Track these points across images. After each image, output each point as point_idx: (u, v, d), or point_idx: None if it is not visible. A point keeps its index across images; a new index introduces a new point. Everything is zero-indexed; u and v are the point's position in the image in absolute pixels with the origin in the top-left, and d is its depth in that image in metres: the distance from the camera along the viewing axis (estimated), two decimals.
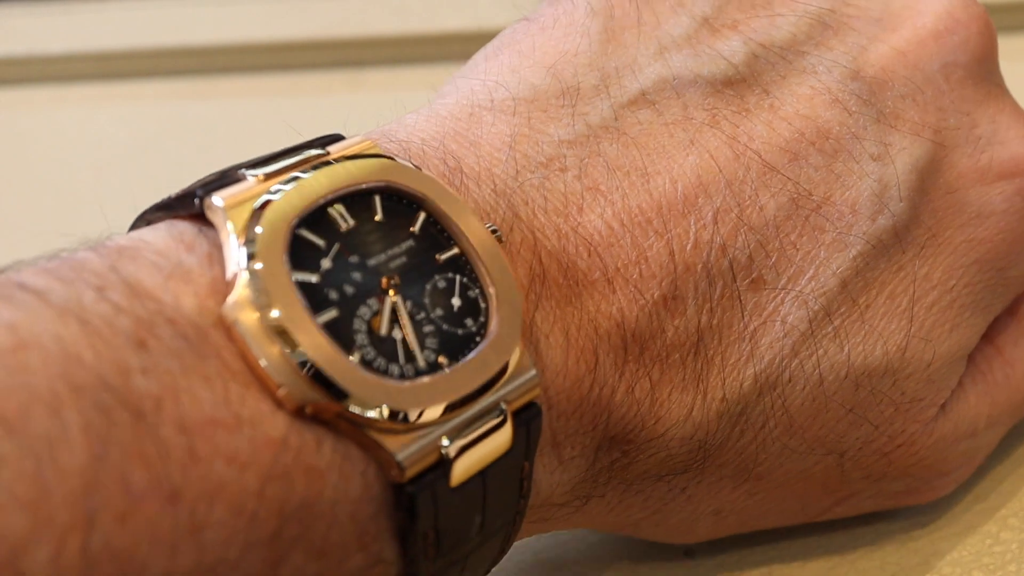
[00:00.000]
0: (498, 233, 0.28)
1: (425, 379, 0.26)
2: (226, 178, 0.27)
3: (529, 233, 0.29)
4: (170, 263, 0.26)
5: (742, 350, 0.30)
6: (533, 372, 0.27)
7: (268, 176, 0.27)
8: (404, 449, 0.25)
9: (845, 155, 0.31)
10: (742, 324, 0.30)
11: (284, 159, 0.28)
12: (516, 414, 0.27)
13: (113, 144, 0.51)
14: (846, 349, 0.30)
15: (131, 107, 0.53)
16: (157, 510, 0.23)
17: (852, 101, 0.32)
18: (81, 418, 0.23)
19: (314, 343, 0.25)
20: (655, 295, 0.29)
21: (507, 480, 0.27)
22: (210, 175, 0.27)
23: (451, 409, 0.26)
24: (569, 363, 0.29)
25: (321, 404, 0.25)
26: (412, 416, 0.25)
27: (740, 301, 0.30)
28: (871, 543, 0.34)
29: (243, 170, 0.27)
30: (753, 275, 0.30)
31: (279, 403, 0.24)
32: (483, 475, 0.26)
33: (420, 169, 0.29)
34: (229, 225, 0.26)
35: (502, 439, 0.26)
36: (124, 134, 0.51)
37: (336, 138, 0.29)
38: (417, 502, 0.25)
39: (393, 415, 0.25)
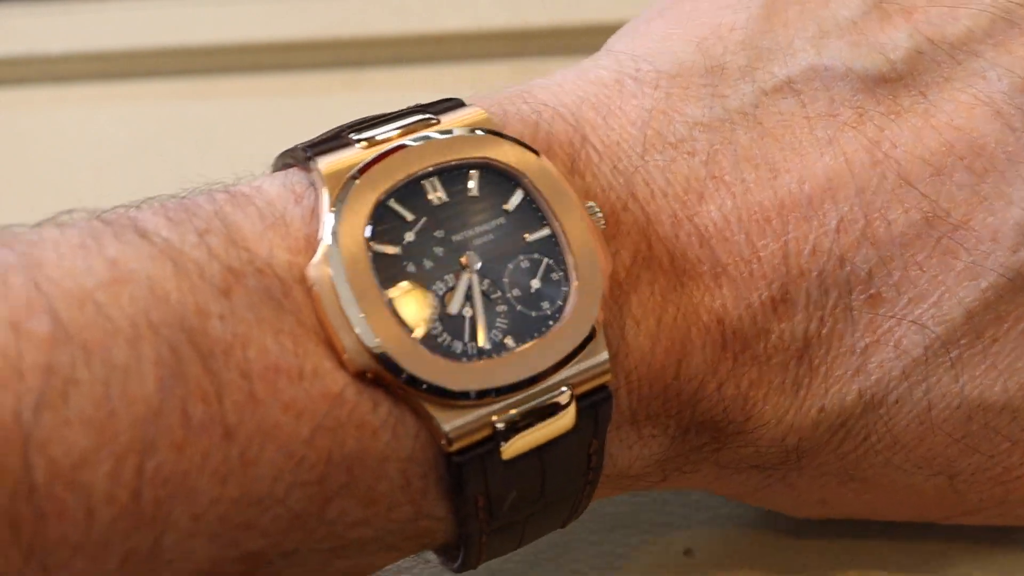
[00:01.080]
0: (599, 215, 0.28)
1: (485, 360, 0.26)
2: (337, 140, 0.28)
3: (642, 215, 0.29)
4: (275, 214, 0.27)
5: (849, 364, 0.29)
6: (604, 357, 0.27)
7: (372, 143, 0.28)
8: (453, 422, 0.26)
9: (996, 176, 0.29)
10: (853, 339, 0.29)
11: (394, 123, 0.28)
12: (583, 396, 0.27)
13: (113, 144, 0.51)
14: (961, 381, 0.29)
15: (131, 107, 0.53)
16: (211, 444, 0.25)
17: (1017, 117, 0.30)
18: (155, 353, 0.25)
19: (379, 318, 0.26)
20: (763, 296, 0.29)
21: (570, 456, 0.28)
22: (326, 132, 0.29)
23: (507, 391, 0.26)
24: (657, 351, 0.29)
25: (379, 372, 0.26)
26: (463, 395, 0.26)
27: (853, 315, 0.29)
28: (871, 545, 0.34)
29: (352, 133, 0.28)
30: (871, 291, 0.29)
31: (343, 364, 0.26)
32: (540, 452, 0.27)
33: (529, 148, 0.28)
34: (324, 193, 0.27)
35: (564, 420, 0.27)
36: (124, 134, 0.51)
37: (455, 104, 0.29)
38: (464, 472, 0.26)
39: (444, 392, 0.26)
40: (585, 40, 0.52)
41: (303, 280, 0.26)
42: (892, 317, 0.29)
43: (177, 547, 0.25)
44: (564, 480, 0.28)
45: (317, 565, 0.27)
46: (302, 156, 0.28)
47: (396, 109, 0.29)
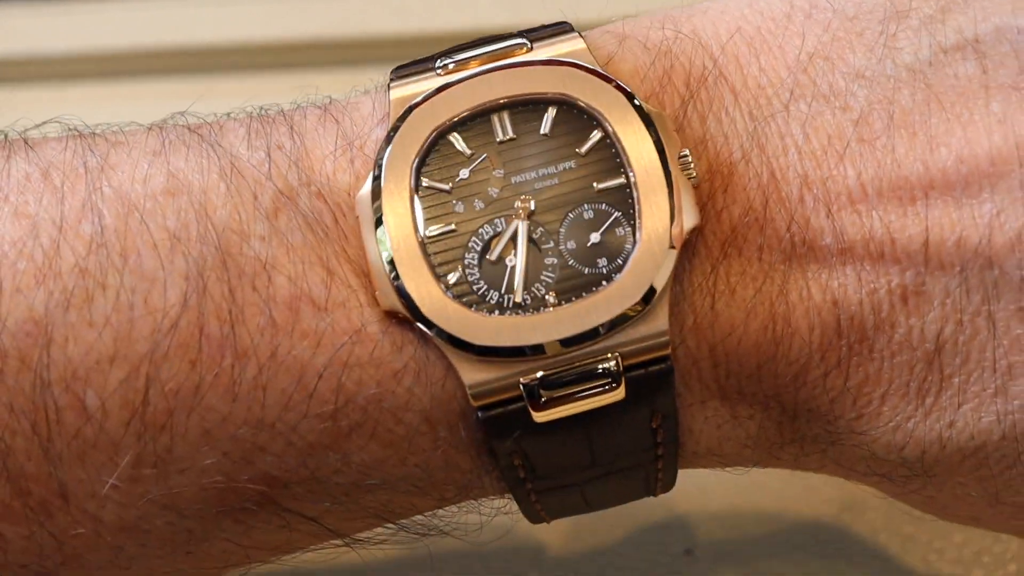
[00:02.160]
0: (691, 167, 0.26)
1: (519, 315, 0.25)
2: (423, 64, 0.27)
3: (766, 170, 0.26)
4: (355, 134, 0.27)
5: (988, 382, 0.26)
6: (662, 327, 0.25)
7: (452, 68, 0.27)
8: (476, 377, 0.25)
9: None
10: (995, 353, 0.25)
11: (485, 47, 0.27)
12: (636, 366, 0.25)
13: None
14: None
15: (131, 107, 0.53)
16: (224, 363, 0.25)
17: None
18: (184, 268, 0.25)
19: (409, 259, 0.25)
20: (893, 284, 0.25)
21: (623, 428, 0.26)
22: (418, 59, 0.28)
23: (538, 350, 0.25)
24: (751, 325, 0.26)
25: (405, 315, 0.25)
26: (487, 350, 0.25)
27: (997, 326, 0.25)
28: (871, 542, 0.34)
29: (441, 59, 0.27)
30: (1022, 303, 0.25)
31: (376, 300, 0.26)
32: (582, 420, 0.26)
33: (621, 88, 0.26)
34: (390, 119, 0.27)
35: (611, 391, 0.25)
36: None
37: (559, 30, 0.27)
38: (490, 429, 0.25)
39: (466, 346, 0.25)
40: None
41: (354, 208, 0.26)
42: None
43: (188, 457, 0.25)
44: (621, 452, 0.26)
45: (342, 496, 0.27)
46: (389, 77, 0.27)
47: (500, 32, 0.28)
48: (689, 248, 0.26)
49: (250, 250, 0.25)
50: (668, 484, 0.28)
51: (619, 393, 0.25)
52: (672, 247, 0.25)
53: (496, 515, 0.29)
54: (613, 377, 0.25)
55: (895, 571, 0.33)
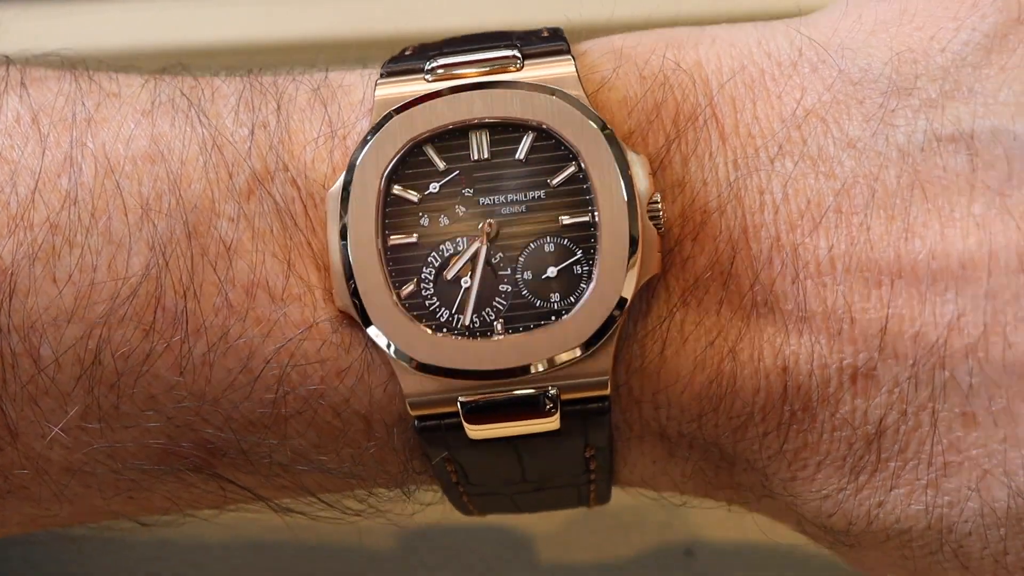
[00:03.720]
0: (659, 215, 0.26)
1: (465, 339, 0.26)
2: (412, 62, 0.28)
3: (739, 225, 0.26)
4: (340, 122, 0.27)
5: (922, 473, 0.26)
6: (604, 370, 0.25)
7: (442, 74, 0.27)
8: (416, 388, 0.26)
9: None
10: (933, 449, 0.25)
11: (478, 53, 0.27)
12: (574, 401, 0.26)
13: None
14: None
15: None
16: (176, 336, 0.26)
17: None
18: (152, 237, 0.26)
19: (367, 265, 0.26)
20: (844, 362, 0.26)
21: (556, 454, 0.27)
22: (416, 47, 0.28)
23: (477, 376, 0.26)
24: (696, 378, 0.26)
25: (355, 319, 0.26)
26: (429, 368, 0.26)
27: (938, 425, 0.25)
28: None
29: (432, 59, 0.27)
30: (966, 409, 0.25)
31: (331, 297, 0.26)
32: (515, 443, 0.26)
33: (601, 125, 0.26)
34: (370, 120, 0.27)
35: (545, 420, 0.26)
36: None
37: (552, 49, 0.27)
38: (424, 437, 0.26)
39: (407, 358, 0.26)
40: (586, 40, 0.52)
41: (326, 201, 0.26)
42: (983, 447, 0.25)
43: (133, 416, 0.26)
44: (553, 473, 0.27)
45: (279, 471, 0.27)
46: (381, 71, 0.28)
47: (500, 30, 0.28)
48: (647, 292, 0.26)
49: (216, 231, 0.26)
50: (603, 499, 0.29)
51: (554, 422, 0.26)
52: (624, 298, 0.25)
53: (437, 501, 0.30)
54: (552, 403, 0.25)
55: None
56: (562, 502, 0.29)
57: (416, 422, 0.26)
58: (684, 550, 0.34)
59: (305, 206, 0.26)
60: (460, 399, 0.26)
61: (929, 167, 0.25)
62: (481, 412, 0.26)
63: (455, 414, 0.26)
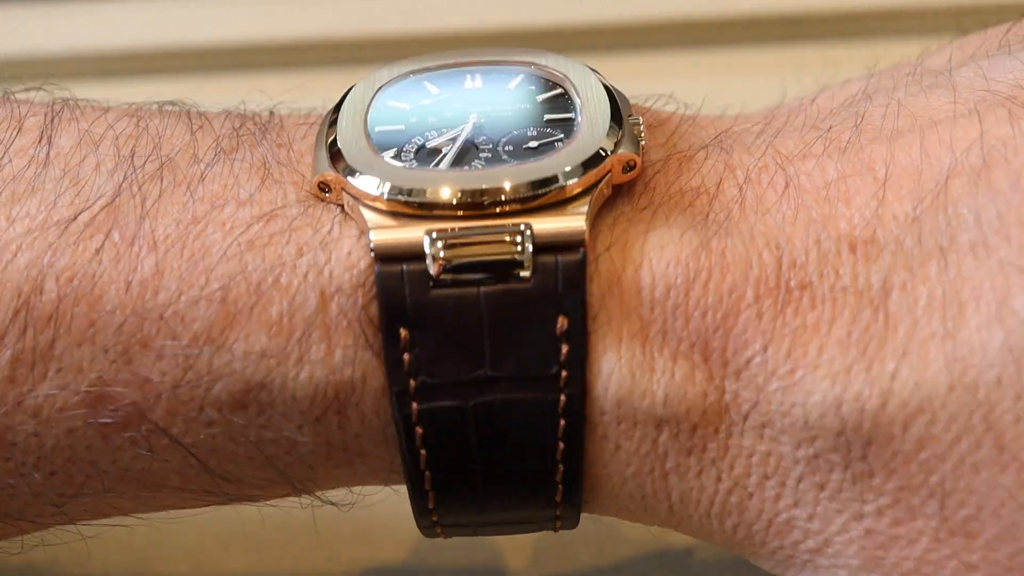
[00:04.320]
0: (639, 125, 0.26)
1: (438, 172, 0.25)
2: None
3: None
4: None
5: (938, 326, 0.23)
6: (580, 226, 0.25)
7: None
8: (380, 221, 0.25)
9: None
10: (946, 294, 0.24)
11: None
12: (546, 249, 0.24)
13: None
14: None
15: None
16: (130, 251, 0.25)
17: None
18: (122, 175, 0.26)
19: (354, 135, 0.26)
20: (842, 231, 0.25)
21: (526, 326, 0.25)
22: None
23: (449, 208, 0.25)
24: (687, 263, 0.25)
25: (330, 176, 0.25)
26: (399, 192, 0.25)
27: (947, 266, 0.24)
28: None
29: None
30: (975, 238, 0.24)
31: (299, 193, 0.26)
32: (481, 311, 0.24)
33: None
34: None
35: (511, 247, 0.24)
36: None
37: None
38: (384, 290, 0.24)
39: (378, 189, 0.25)
40: (586, 40, 0.52)
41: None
42: (999, 271, 0.23)
43: (68, 354, 0.25)
44: (519, 358, 0.25)
45: (217, 417, 0.25)
46: None
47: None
48: (633, 184, 0.26)
49: (194, 167, 0.26)
50: (574, 433, 0.25)
51: (526, 269, 0.24)
52: (605, 150, 0.25)
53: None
54: (521, 249, 0.24)
55: None
56: (526, 421, 0.25)
57: (379, 266, 0.24)
58: (684, 550, 0.34)
59: (291, 155, 0.27)
60: (428, 232, 0.25)
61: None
62: (447, 249, 0.24)
63: (420, 257, 0.24)
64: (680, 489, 0.26)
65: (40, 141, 0.26)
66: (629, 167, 0.26)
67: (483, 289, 0.24)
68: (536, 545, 0.34)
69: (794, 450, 0.24)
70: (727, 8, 0.52)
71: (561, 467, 0.26)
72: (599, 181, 0.25)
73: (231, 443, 0.26)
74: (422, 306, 0.24)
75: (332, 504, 0.28)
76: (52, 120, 0.27)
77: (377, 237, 0.25)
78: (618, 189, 0.26)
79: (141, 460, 0.26)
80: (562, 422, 0.25)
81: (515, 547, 0.33)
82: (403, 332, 0.25)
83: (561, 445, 0.25)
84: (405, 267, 0.24)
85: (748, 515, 0.25)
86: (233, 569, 0.35)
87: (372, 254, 0.25)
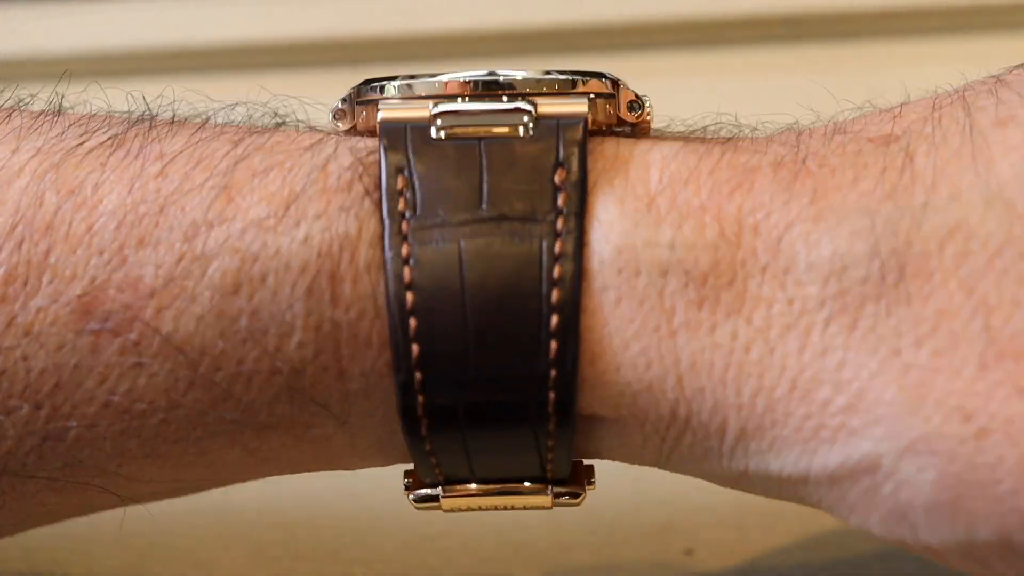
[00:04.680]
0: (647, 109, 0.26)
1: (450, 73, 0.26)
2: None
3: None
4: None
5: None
6: (584, 110, 0.25)
7: (445, 113, 0.26)
8: (391, 107, 0.26)
9: None
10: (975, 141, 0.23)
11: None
12: (549, 117, 0.25)
13: None
14: None
15: (131, 107, 0.53)
16: (147, 162, 0.26)
17: None
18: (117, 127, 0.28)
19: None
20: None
21: (523, 165, 0.25)
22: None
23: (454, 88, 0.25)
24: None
25: (344, 106, 0.27)
26: (415, 81, 0.26)
27: (972, 130, 0.24)
28: (873, 542, 0.34)
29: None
30: (1001, 115, 0.24)
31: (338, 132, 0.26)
32: (478, 149, 0.25)
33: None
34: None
35: (513, 111, 0.25)
36: None
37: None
38: (385, 144, 0.25)
39: (390, 89, 0.26)
40: (586, 40, 0.52)
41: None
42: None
43: (62, 261, 0.24)
44: (513, 195, 0.24)
45: (207, 315, 0.25)
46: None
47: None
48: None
49: (209, 123, 0.28)
50: (569, 278, 0.24)
51: (528, 119, 0.25)
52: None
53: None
54: (523, 125, 0.25)
55: (898, 572, 0.33)
56: (514, 264, 0.24)
57: (382, 129, 0.25)
58: (684, 550, 0.34)
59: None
60: (435, 107, 0.25)
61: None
62: (453, 123, 0.25)
63: (424, 121, 0.25)
64: (690, 350, 0.23)
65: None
66: (633, 107, 0.26)
67: (483, 140, 0.25)
68: (536, 545, 0.34)
69: (821, 289, 0.23)
70: (727, 8, 0.52)
71: (555, 317, 0.24)
72: (605, 93, 0.26)
73: (221, 340, 0.25)
74: (422, 151, 0.25)
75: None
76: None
77: (385, 113, 0.26)
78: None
79: (128, 378, 0.25)
80: (557, 268, 0.24)
81: (515, 547, 0.33)
82: (400, 180, 0.25)
83: (556, 292, 0.24)
84: (409, 125, 0.25)
85: (769, 376, 0.23)
86: (233, 569, 0.35)
87: (379, 126, 0.25)
